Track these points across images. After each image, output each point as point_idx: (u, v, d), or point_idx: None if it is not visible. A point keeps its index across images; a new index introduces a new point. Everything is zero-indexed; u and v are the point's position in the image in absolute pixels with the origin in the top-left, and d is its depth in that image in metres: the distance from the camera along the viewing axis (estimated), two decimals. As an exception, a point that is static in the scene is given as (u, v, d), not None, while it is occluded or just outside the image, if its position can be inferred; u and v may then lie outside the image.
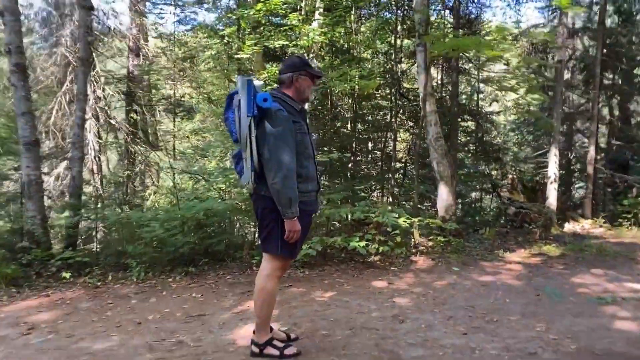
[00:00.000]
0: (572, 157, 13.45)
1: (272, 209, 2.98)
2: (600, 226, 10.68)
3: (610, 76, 12.57)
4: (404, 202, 10.99)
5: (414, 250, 7.24)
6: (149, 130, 12.28)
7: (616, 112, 14.04)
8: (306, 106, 3.63)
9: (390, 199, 10.91)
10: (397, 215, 6.91)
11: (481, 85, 15.93)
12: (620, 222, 10.68)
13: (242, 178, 3.09)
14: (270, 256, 3.19)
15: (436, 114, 8.06)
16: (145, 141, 11.94)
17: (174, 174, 10.43)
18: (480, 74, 12.64)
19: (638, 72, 12.73)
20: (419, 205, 9.77)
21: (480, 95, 16.02)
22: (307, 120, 3.35)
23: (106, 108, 11.23)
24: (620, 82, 12.21)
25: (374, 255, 6.50)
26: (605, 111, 14.17)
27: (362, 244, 6.28)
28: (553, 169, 10.21)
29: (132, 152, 11.60)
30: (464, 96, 15.26)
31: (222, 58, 11.11)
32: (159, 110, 12.48)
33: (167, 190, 10.54)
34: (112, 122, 11.41)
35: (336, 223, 7.40)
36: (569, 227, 10.66)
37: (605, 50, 11.66)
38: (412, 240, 7.42)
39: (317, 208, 3.38)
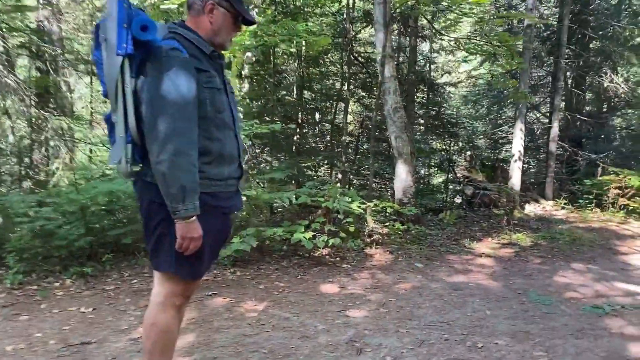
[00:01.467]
0: (538, 132, 12.88)
1: (162, 204, 1.89)
2: (563, 208, 10.15)
3: (572, 47, 11.94)
4: (355, 182, 10.01)
5: (368, 240, 6.27)
6: (59, 93, 10.59)
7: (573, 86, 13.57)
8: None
9: (340, 177, 9.89)
10: (349, 199, 5.89)
11: (434, 55, 15.17)
12: (582, 203, 10.18)
13: (111, 154, 1.97)
14: (164, 276, 2.08)
15: (396, 81, 7.04)
16: (55, 105, 10.26)
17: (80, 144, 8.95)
18: (439, 38, 11.75)
19: (599, 43, 12.16)
20: (373, 186, 8.80)
21: (433, 67, 15.22)
22: (225, 74, 2.20)
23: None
24: (582, 52, 11.58)
25: (323, 248, 5.45)
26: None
27: (309, 235, 5.21)
28: (518, 145, 9.49)
29: (38, 117, 9.92)
30: (417, 67, 14.38)
31: (146, 9, 9.57)
32: (69, 69, 10.78)
33: (78, 165, 9.05)
34: (10, 81, 9.66)
35: (276, 206, 6.31)
36: (530, 209, 10.06)
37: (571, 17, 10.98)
38: (366, 227, 6.44)
39: (239, 204, 2.26)
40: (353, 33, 10.94)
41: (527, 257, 5.95)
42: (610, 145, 13.09)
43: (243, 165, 2.24)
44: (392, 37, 11.49)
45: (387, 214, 7.18)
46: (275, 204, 5.88)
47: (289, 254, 5.46)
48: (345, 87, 11.19)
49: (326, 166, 10.84)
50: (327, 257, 5.47)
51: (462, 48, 7.37)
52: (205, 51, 2.02)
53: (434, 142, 13.95)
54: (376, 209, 7.09)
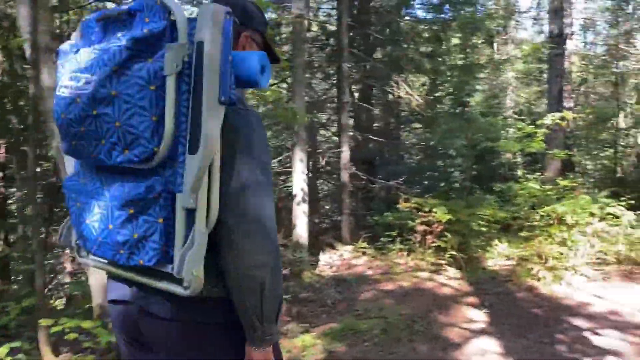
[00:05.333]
0: (326, 157, 10.81)
1: (229, 328, 1.35)
2: (364, 252, 8.14)
3: (356, 52, 10.25)
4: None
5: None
6: None
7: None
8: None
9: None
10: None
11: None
12: (384, 241, 8.31)
13: (188, 263, 1.19)
14: None
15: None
16: None
17: None
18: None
19: (386, 49, 10.71)
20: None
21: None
22: None
23: None
24: (367, 58, 9.91)
25: None
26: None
27: None
28: (300, 182, 7.10)
29: None
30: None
31: None
32: None
33: None
34: None
35: None
36: (325, 260, 7.84)
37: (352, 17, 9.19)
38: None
39: None
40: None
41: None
42: (404, 165, 11.85)
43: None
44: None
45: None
46: None
47: None
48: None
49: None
50: None
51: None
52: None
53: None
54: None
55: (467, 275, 6.63)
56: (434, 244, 7.57)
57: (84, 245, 1.35)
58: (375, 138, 9.91)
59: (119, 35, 1.20)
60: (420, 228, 7.74)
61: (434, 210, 7.58)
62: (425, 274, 6.77)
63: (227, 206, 1.23)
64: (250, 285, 1.25)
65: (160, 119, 1.15)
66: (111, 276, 1.41)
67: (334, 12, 10.11)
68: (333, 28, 10.80)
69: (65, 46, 1.35)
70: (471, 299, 5.76)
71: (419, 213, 7.71)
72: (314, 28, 10.93)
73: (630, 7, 16.34)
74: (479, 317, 5.20)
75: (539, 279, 6.43)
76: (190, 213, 1.17)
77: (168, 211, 1.18)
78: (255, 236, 1.25)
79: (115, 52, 1.16)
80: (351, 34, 10.07)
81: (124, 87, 1.15)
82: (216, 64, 1.15)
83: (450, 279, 6.58)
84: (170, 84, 1.14)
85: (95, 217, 1.24)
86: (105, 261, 1.34)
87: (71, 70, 1.26)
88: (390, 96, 11.25)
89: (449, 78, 11.61)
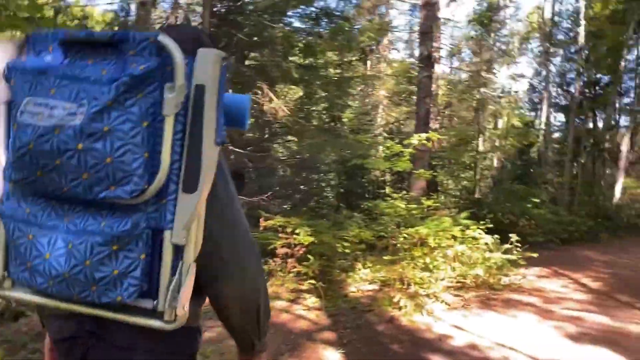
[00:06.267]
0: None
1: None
2: (219, 277, 7.26)
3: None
4: None
5: None
6: None
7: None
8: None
9: None
10: None
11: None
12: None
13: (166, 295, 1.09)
14: None
15: None
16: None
17: None
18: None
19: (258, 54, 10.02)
20: None
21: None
22: None
23: None
24: (238, 64, 9.13)
25: None
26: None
27: None
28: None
29: None
30: None
31: None
32: None
33: None
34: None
35: None
36: (173, 286, 6.84)
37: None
38: None
39: None
40: None
41: None
42: (275, 179, 11.22)
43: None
44: None
45: None
46: None
47: None
48: None
49: None
50: None
51: None
52: None
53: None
54: None
55: (327, 305, 6.04)
56: (295, 269, 6.94)
57: (31, 280, 1.12)
58: (239, 150, 9.10)
59: (90, 62, 1.06)
60: (282, 251, 7.07)
61: (297, 231, 6.97)
62: (282, 304, 6.08)
63: (216, 239, 1.23)
64: (250, 310, 1.33)
65: (150, 156, 1.05)
66: (52, 313, 1.28)
67: (199, 9, 9.18)
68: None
69: (17, 63, 1.11)
70: (328, 335, 5.16)
71: (280, 235, 7.05)
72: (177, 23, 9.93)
73: (491, 39, 17.44)
74: (334, 359, 4.60)
75: (400, 308, 6.04)
76: (178, 248, 1.10)
77: (149, 247, 1.09)
78: (249, 264, 1.30)
79: (110, 85, 1.01)
80: (220, 25, 9.21)
81: (118, 122, 1.02)
82: (214, 108, 1.10)
83: (309, 310, 5.95)
84: (169, 124, 1.05)
85: (59, 251, 1.08)
86: (47, 298, 1.15)
87: (37, 94, 1.06)
88: (265, 106, 10.58)
89: (323, 93, 11.26)
